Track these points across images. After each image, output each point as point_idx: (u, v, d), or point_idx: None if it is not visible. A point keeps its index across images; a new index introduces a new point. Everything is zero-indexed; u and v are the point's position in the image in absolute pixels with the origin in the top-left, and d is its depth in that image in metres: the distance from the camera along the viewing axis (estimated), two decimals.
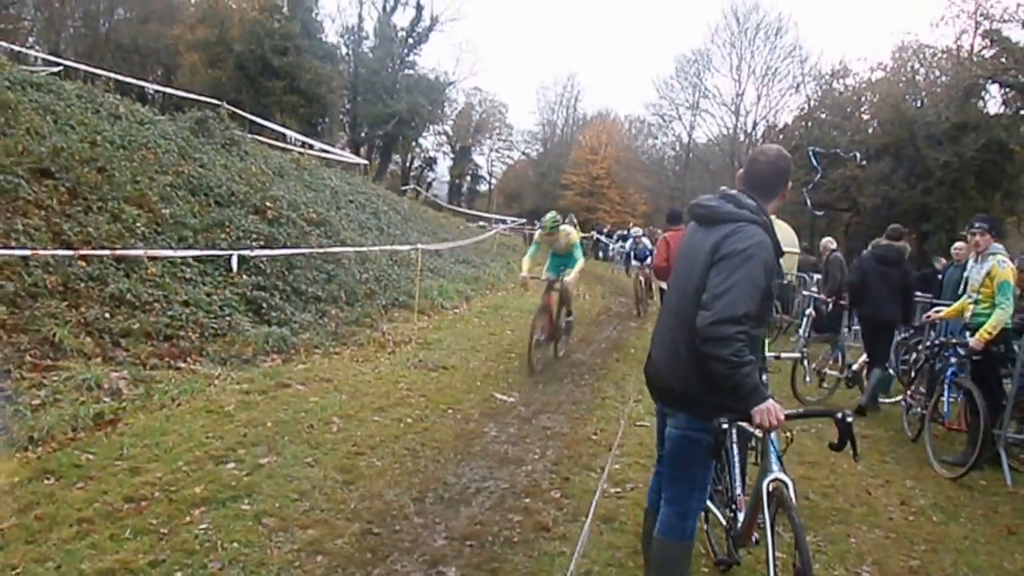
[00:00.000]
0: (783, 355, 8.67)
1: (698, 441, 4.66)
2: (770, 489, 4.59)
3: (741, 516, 5.17)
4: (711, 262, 4.43)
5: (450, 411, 9.83)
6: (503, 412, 10.14)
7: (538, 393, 11.35)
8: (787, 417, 4.32)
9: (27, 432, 7.25)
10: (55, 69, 20.06)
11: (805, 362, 8.29)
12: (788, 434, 4.76)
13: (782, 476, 4.60)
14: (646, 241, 25.91)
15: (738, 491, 5.28)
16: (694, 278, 4.53)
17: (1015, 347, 9.79)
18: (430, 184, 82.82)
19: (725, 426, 4.37)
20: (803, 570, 4.14)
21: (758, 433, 4.76)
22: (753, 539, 5.12)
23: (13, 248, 9.97)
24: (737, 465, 5.34)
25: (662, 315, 5.03)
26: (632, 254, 27.41)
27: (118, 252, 11.11)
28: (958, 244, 11.84)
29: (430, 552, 5.79)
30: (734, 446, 5.30)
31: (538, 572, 5.62)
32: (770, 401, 4.23)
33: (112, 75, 22.56)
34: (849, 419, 4.45)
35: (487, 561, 5.72)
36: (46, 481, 6.43)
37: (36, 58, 31.58)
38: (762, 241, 4.43)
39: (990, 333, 9.20)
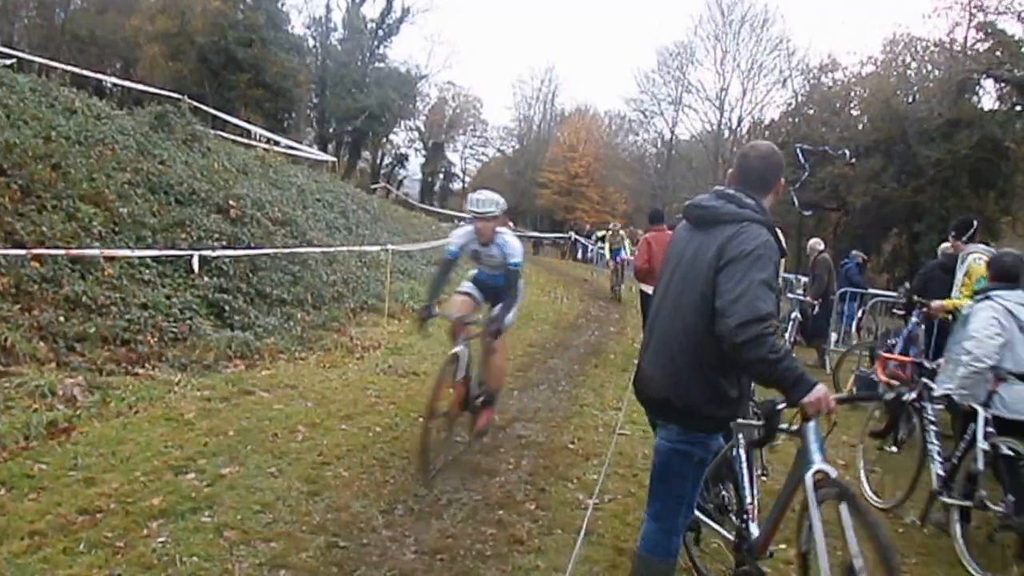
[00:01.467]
0: None
1: (688, 455, 4.69)
2: (816, 480, 4.54)
3: (755, 527, 5.18)
4: (717, 267, 4.41)
5: (421, 419, 9.78)
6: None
7: (513, 400, 11.34)
8: (837, 402, 4.37)
9: None
10: (8, 61, 19.90)
11: None
12: (832, 418, 4.66)
13: (826, 467, 4.54)
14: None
15: (748, 500, 5.28)
16: (697, 285, 4.50)
17: None
18: (401, 182, 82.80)
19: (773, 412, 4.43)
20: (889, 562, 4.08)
21: (792, 427, 4.75)
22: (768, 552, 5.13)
23: None
24: (746, 474, 5.33)
25: (655, 325, 4.93)
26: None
27: (73, 252, 11.04)
28: (945, 245, 11.88)
29: (399, 567, 5.78)
30: (742, 453, 5.31)
31: None
32: (820, 386, 4.23)
33: (68, 68, 22.48)
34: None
35: (459, 575, 5.71)
36: None
37: None
38: (768, 241, 4.47)
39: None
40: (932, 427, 7.62)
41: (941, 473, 7.29)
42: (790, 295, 18.48)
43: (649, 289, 13.94)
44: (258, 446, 8.08)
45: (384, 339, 14.84)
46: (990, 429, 6.85)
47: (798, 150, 34.49)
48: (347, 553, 5.90)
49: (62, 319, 10.29)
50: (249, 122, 35.31)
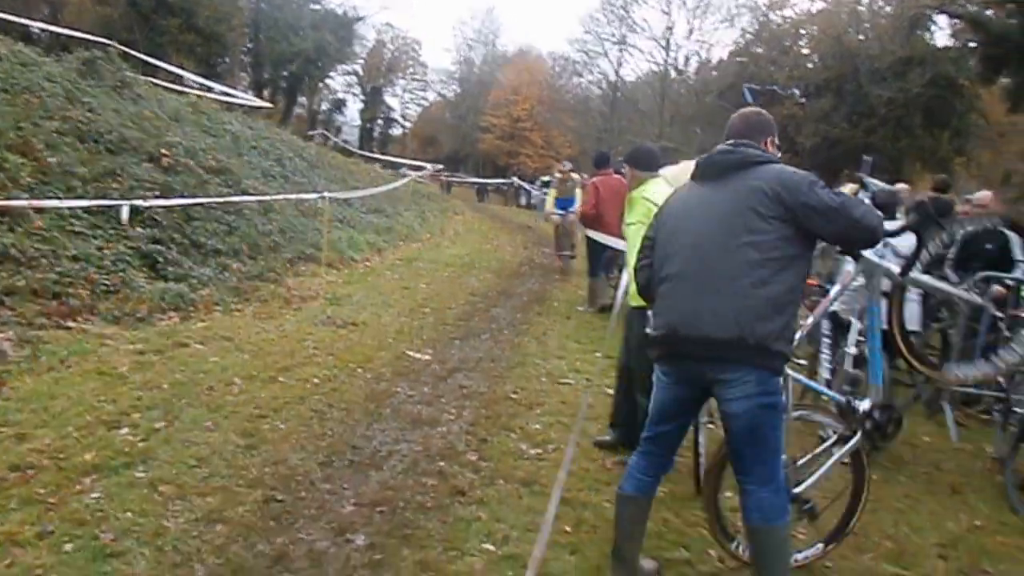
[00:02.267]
0: None
1: (774, 405, 4.73)
2: None
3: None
4: (785, 203, 4.59)
5: (360, 370, 9.83)
6: (416, 371, 10.18)
7: (454, 350, 11.40)
8: None
9: None
10: None
11: None
12: None
13: None
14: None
15: None
16: (751, 223, 4.63)
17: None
18: (339, 129, 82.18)
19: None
20: None
21: None
22: None
23: None
24: None
25: (686, 272, 4.87)
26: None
27: None
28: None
29: (337, 519, 5.81)
30: None
31: (452, 538, 5.66)
32: None
33: None
34: None
35: (398, 528, 5.77)
36: None
37: None
38: None
39: None
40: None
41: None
42: None
43: (598, 236, 13.98)
44: (193, 399, 8.06)
45: (322, 289, 14.82)
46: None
47: (746, 90, 34.55)
48: (285, 507, 5.92)
49: None
50: (181, 68, 34.84)
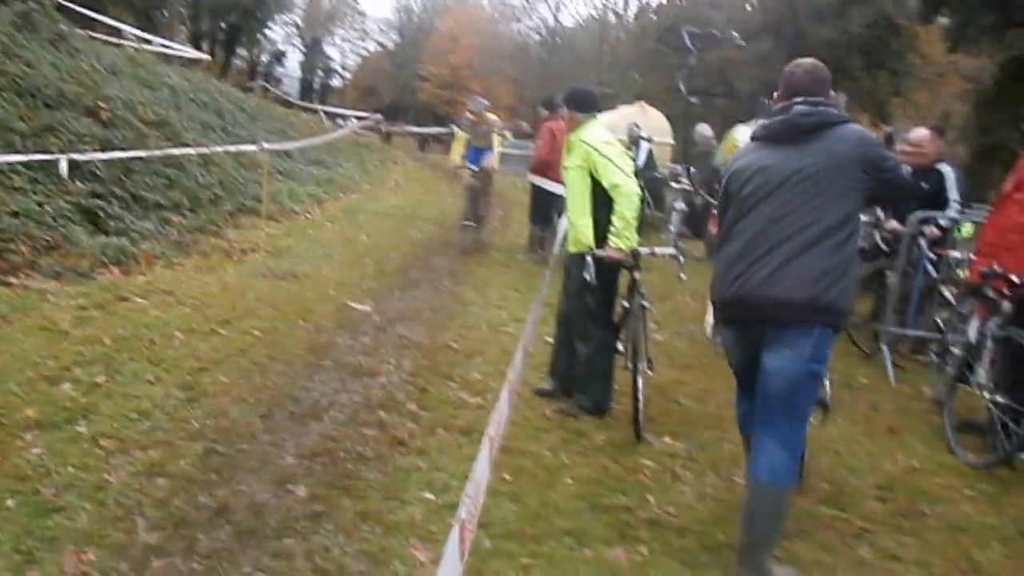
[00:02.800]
0: (658, 251, 8.76)
1: (818, 374, 4.86)
2: None
3: None
4: (866, 160, 4.81)
5: (301, 322, 9.83)
6: (357, 322, 10.20)
7: (394, 300, 11.42)
8: None
9: None
10: None
11: (680, 258, 8.48)
12: None
13: None
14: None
15: None
16: (835, 185, 4.75)
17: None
18: (280, 80, 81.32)
19: None
20: None
21: None
22: None
23: None
24: None
25: (760, 238, 4.89)
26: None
27: None
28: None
29: (278, 471, 5.85)
30: None
31: (393, 488, 5.70)
32: None
33: None
34: None
35: (339, 478, 5.80)
36: None
37: None
38: None
39: None
40: None
41: None
42: (675, 185, 18.60)
43: (547, 184, 13.93)
44: (135, 353, 8.02)
45: (263, 242, 14.74)
46: None
47: (685, 34, 34.31)
48: (226, 459, 5.94)
49: None
50: (119, 21, 34.33)
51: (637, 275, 7.36)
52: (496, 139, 16.99)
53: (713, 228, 13.27)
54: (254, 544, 4.82)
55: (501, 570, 4.76)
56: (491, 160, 16.53)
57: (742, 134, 10.84)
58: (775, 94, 5.22)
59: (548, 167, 13.87)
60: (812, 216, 4.71)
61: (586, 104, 7.65)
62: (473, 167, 16.51)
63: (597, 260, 7.11)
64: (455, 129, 52.00)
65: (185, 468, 5.73)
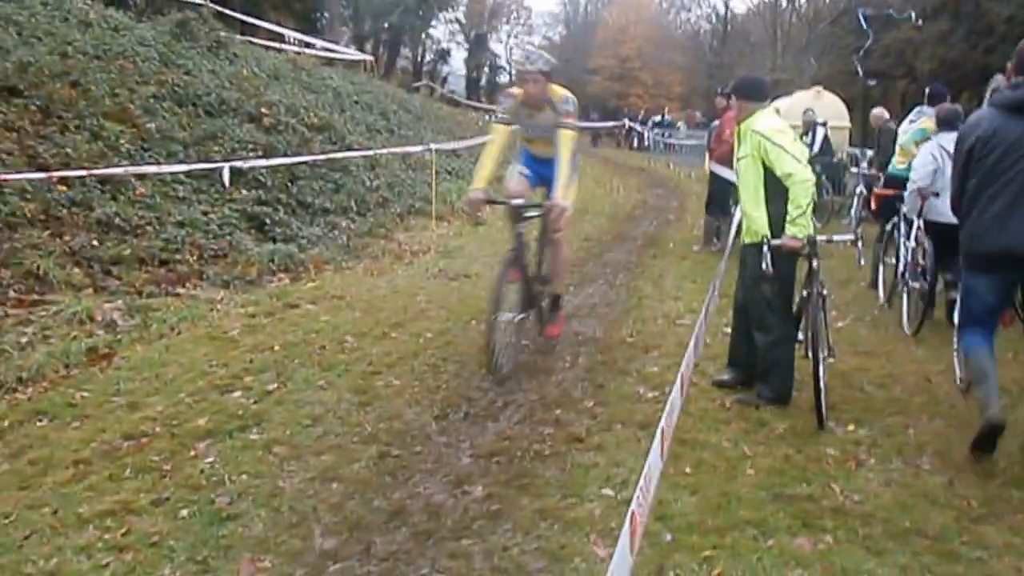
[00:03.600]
0: (835, 238, 8.61)
1: None
2: None
3: None
4: None
5: (473, 323, 9.83)
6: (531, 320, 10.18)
7: (568, 296, 11.33)
8: None
9: (15, 372, 7.33)
10: None
11: (859, 244, 8.29)
12: None
13: None
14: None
15: None
16: None
17: None
18: (445, 79, 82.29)
19: None
20: None
21: None
22: None
23: None
24: None
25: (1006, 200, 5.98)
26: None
27: (98, 172, 11.10)
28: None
29: (455, 471, 5.85)
30: None
31: (571, 485, 5.65)
32: None
33: None
34: None
35: (516, 477, 5.78)
36: (38, 423, 6.54)
37: None
38: None
39: None
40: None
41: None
42: (854, 170, 18.22)
43: (729, 173, 13.70)
44: (305, 359, 8.18)
45: (433, 243, 14.90)
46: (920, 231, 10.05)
47: (861, 16, 33.61)
48: (400, 461, 5.97)
49: (96, 243, 10.41)
50: (279, 25, 35.18)
51: (815, 263, 7.20)
52: (567, 142, 8.16)
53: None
54: (431, 545, 4.83)
55: (683, 563, 4.68)
56: (565, 191, 8.05)
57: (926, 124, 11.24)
58: (1008, 68, 6.24)
59: (730, 155, 13.65)
60: None
61: (756, 93, 7.51)
62: (521, 202, 8.26)
63: (774, 249, 6.97)
64: (627, 122, 50.11)
65: (359, 472, 5.77)
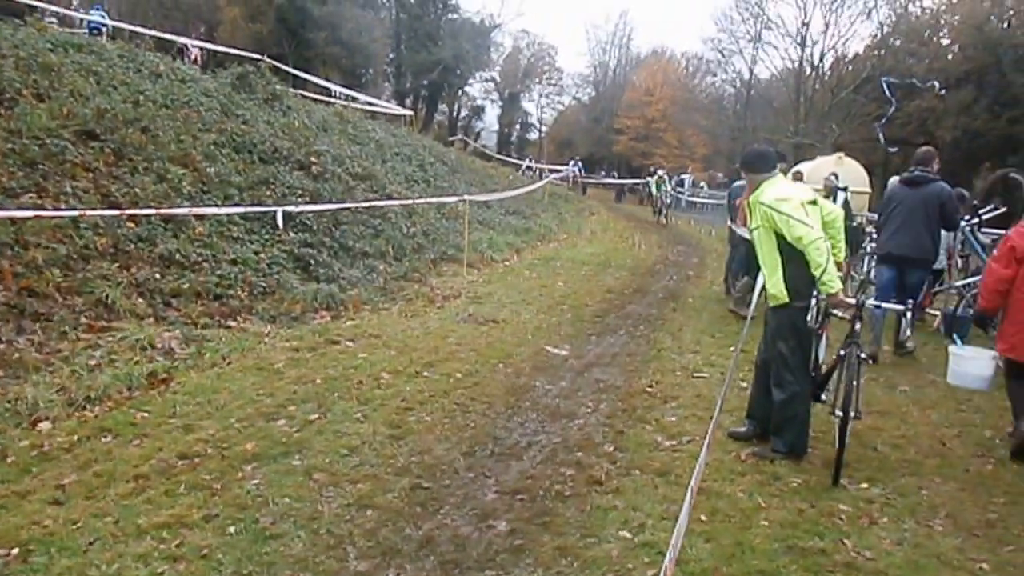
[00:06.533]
0: (885, 306, 8.78)
1: None
2: None
3: None
4: None
5: (500, 365, 9.97)
6: (555, 366, 10.26)
7: (591, 345, 11.45)
8: None
9: (84, 392, 7.52)
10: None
11: (909, 315, 8.43)
12: None
13: None
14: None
15: None
16: None
17: None
18: (478, 134, 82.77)
19: None
20: None
21: None
22: None
23: (63, 210, 10.22)
24: None
25: None
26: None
27: (163, 212, 11.32)
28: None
29: (480, 506, 5.96)
30: None
31: (590, 525, 5.75)
32: None
33: (154, 33, 22.85)
34: None
35: (538, 515, 5.87)
36: (103, 439, 6.72)
37: (80, 20, 31.67)
38: None
39: None
40: None
41: None
42: (870, 230, 18.24)
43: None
44: (344, 393, 8.33)
45: (464, 288, 15.03)
46: None
47: (884, 84, 33.44)
48: (430, 493, 6.10)
49: (158, 276, 10.60)
50: (328, 80, 35.52)
51: (857, 326, 7.22)
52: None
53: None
54: (458, 574, 4.94)
55: None
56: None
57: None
58: None
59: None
60: None
61: (761, 165, 7.44)
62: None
63: (820, 303, 7.06)
64: (650, 181, 49.50)
65: (392, 501, 5.91)
